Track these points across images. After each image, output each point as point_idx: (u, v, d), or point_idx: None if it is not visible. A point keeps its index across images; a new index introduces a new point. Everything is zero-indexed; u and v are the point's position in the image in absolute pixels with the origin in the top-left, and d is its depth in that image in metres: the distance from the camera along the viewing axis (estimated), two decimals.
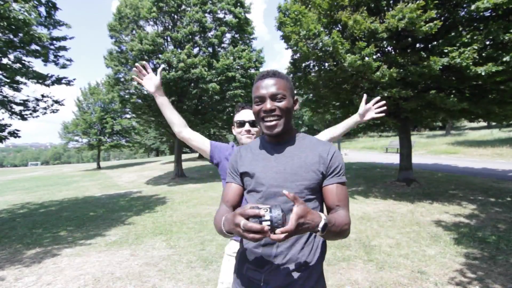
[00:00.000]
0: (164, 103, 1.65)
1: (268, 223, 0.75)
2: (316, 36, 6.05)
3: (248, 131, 1.64)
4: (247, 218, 0.77)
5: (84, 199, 8.86)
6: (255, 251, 1.01)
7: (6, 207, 7.97)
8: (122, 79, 11.82)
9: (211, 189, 9.32)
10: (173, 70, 10.52)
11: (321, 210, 1.07)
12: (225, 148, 1.66)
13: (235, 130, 1.70)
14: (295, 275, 0.97)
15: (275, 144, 1.11)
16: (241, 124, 1.65)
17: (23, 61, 6.12)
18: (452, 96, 5.68)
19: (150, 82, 1.62)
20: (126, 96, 12.16)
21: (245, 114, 1.66)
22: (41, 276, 3.24)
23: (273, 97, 1.02)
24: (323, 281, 1.05)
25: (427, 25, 4.97)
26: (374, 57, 5.97)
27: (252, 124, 1.65)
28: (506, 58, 4.64)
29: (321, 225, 0.82)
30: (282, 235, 0.73)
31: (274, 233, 0.74)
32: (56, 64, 6.83)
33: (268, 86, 1.02)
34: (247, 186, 1.10)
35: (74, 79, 7.24)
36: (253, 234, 0.74)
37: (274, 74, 1.04)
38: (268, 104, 1.01)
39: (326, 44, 5.83)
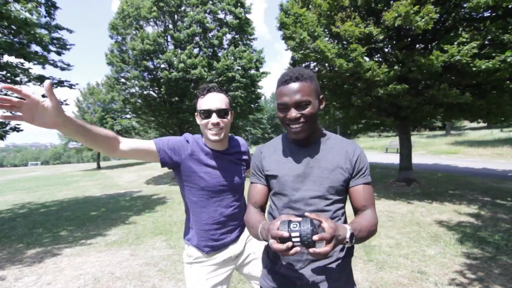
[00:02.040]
0: (79, 131, 0.97)
1: (298, 239, 0.76)
2: (313, 41, 6.12)
3: (217, 124, 1.22)
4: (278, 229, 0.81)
5: (84, 199, 8.86)
6: None
7: (6, 207, 7.96)
8: (122, 80, 11.82)
9: None
10: (175, 70, 10.52)
11: (344, 210, 1.08)
12: (180, 145, 1.25)
13: (199, 121, 1.27)
14: (329, 270, 0.99)
15: (300, 145, 1.09)
16: (207, 114, 1.22)
17: (23, 65, 6.05)
18: (455, 88, 5.60)
19: (40, 115, 0.87)
20: (127, 96, 12.17)
21: (212, 100, 1.22)
22: (41, 276, 3.24)
23: (297, 105, 0.96)
24: (352, 275, 1.07)
25: (423, 19, 4.97)
26: (375, 58, 5.99)
27: (221, 114, 1.22)
28: (502, 57, 4.63)
29: (348, 235, 0.84)
30: (324, 250, 0.75)
31: (306, 248, 0.77)
32: (56, 66, 6.70)
33: (291, 93, 0.96)
34: (273, 188, 1.10)
35: (76, 84, 7.16)
36: (279, 246, 0.78)
37: (297, 78, 0.97)
38: (293, 113, 0.97)
39: (317, 51, 5.95)
